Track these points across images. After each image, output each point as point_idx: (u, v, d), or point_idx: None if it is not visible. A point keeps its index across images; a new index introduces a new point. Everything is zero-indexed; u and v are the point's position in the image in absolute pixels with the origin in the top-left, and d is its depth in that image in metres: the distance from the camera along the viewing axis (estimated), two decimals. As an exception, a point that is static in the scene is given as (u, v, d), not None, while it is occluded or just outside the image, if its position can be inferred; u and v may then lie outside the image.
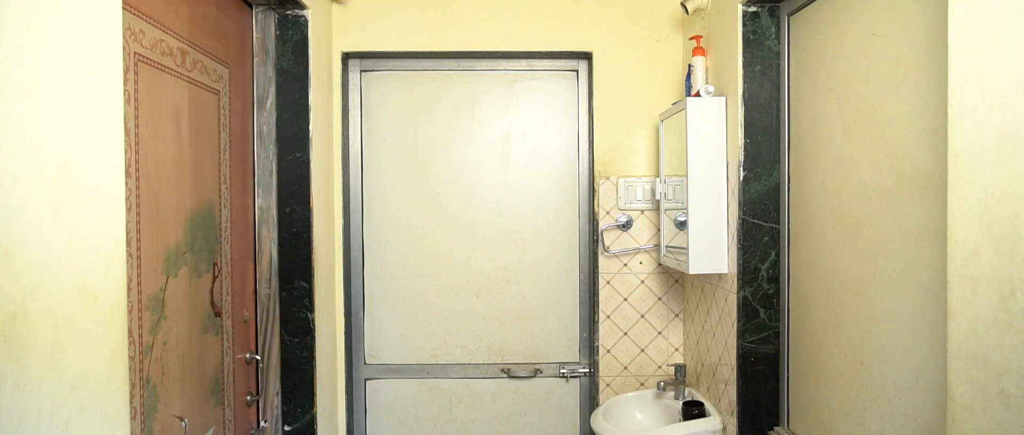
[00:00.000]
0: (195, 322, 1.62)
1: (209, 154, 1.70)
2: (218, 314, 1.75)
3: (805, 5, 1.74)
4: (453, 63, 2.52)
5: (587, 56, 2.48)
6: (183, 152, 1.56)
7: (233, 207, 1.84)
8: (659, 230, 2.41)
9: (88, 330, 0.83)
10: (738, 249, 1.90)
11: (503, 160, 2.53)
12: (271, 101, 2.03)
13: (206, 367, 1.67)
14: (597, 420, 2.23)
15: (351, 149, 2.50)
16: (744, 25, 1.87)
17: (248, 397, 1.92)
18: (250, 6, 1.97)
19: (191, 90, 1.60)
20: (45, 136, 0.76)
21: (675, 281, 2.49)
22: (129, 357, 1.08)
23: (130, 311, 1.32)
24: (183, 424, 1.53)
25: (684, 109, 2.00)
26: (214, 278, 1.72)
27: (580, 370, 2.54)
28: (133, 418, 1.32)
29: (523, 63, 2.53)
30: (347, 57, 2.44)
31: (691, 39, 2.21)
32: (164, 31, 1.48)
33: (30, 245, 0.73)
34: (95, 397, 0.85)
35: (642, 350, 2.48)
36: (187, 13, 1.58)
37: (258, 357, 1.98)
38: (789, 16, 1.84)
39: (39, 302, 0.74)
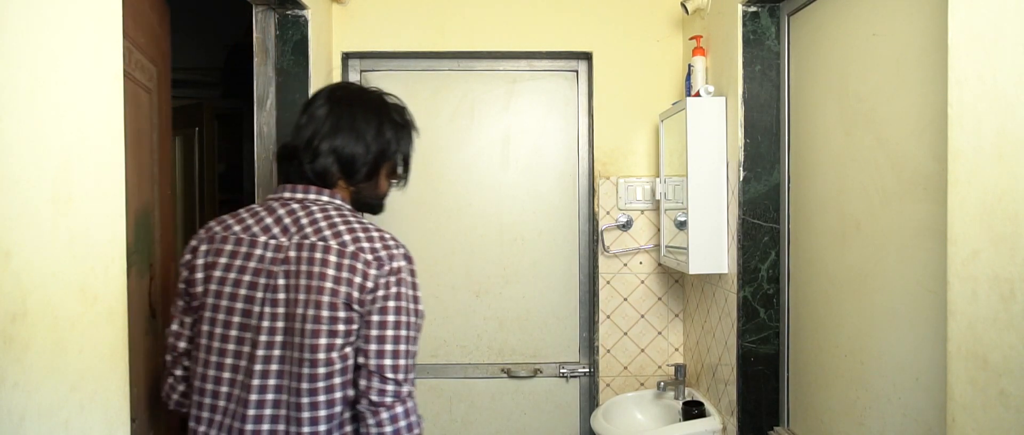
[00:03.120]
0: (140, 324, 1.60)
1: (146, 154, 1.68)
2: (153, 316, 1.73)
3: (805, 5, 1.74)
4: (453, 63, 2.51)
5: (587, 56, 2.48)
6: (127, 151, 1.54)
7: (162, 207, 1.82)
8: (659, 230, 2.41)
9: (88, 330, 0.83)
10: (738, 249, 1.90)
11: (503, 160, 2.53)
12: (271, 101, 2.03)
13: (151, 368, 1.65)
14: (597, 420, 2.23)
15: (351, 149, 2.49)
16: (744, 25, 1.88)
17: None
18: (250, 6, 1.97)
19: (133, 89, 1.57)
20: (45, 136, 0.76)
21: (675, 281, 2.48)
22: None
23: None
24: (133, 425, 1.51)
25: (684, 109, 2.00)
26: (151, 279, 1.71)
27: (580, 370, 2.54)
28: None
29: (523, 63, 2.53)
30: (347, 57, 2.44)
31: (691, 39, 2.21)
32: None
33: (30, 245, 0.73)
34: (95, 397, 0.84)
35: (642, 350, 2.48)
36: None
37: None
38: (789, 16, 1.84)
39: (39, 302, 0.74)
